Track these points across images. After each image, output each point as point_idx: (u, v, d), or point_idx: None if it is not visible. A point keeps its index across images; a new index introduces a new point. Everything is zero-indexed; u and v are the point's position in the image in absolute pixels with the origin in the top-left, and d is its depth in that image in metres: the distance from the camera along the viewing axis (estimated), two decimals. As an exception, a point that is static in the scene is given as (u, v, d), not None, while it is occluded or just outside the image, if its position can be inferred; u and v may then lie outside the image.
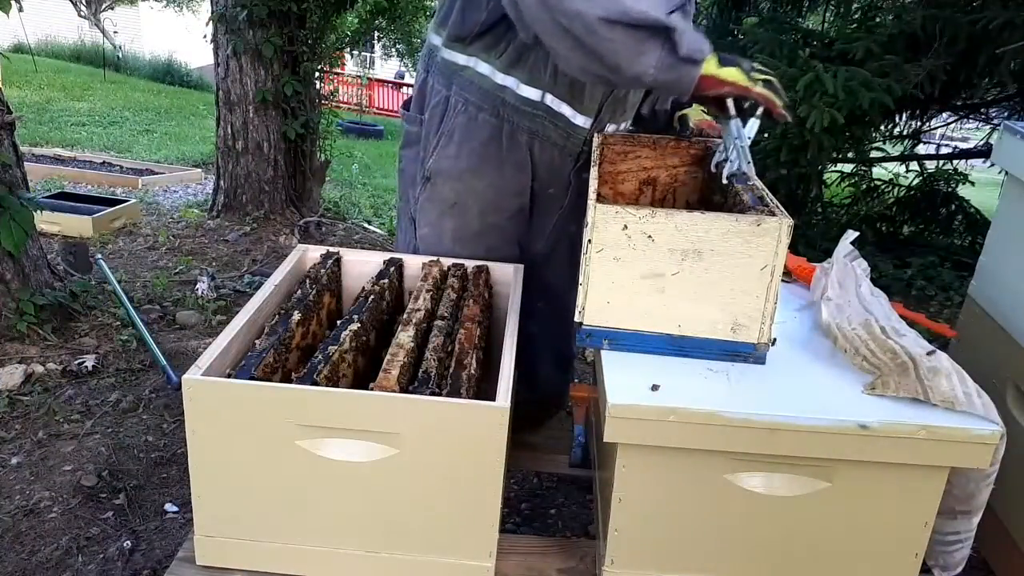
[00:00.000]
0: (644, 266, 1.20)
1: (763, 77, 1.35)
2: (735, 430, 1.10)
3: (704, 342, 1.24)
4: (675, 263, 1.19)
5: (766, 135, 3.86)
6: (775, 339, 1.26)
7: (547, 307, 1.81)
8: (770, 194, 1.30)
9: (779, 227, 1.15)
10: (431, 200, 1.71)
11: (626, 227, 1.17)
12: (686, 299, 1.21)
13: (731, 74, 1.31)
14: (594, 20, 1.21)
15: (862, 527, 1.17)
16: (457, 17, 1.57)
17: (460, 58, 1.60)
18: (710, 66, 1.29)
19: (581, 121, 1.64)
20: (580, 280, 1.23)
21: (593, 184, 1.31)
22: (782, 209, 1.22)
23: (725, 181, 1.40)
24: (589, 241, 1.19)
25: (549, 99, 1.60)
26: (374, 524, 1.19)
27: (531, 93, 1.59)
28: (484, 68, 1.58)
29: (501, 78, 1.58)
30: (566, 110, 1.62)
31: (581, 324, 1.25)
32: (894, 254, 4.36)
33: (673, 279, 1.20)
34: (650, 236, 1.18)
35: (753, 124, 1.37)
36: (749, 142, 1.38)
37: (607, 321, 1.24)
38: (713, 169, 1.52)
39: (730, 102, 1.35)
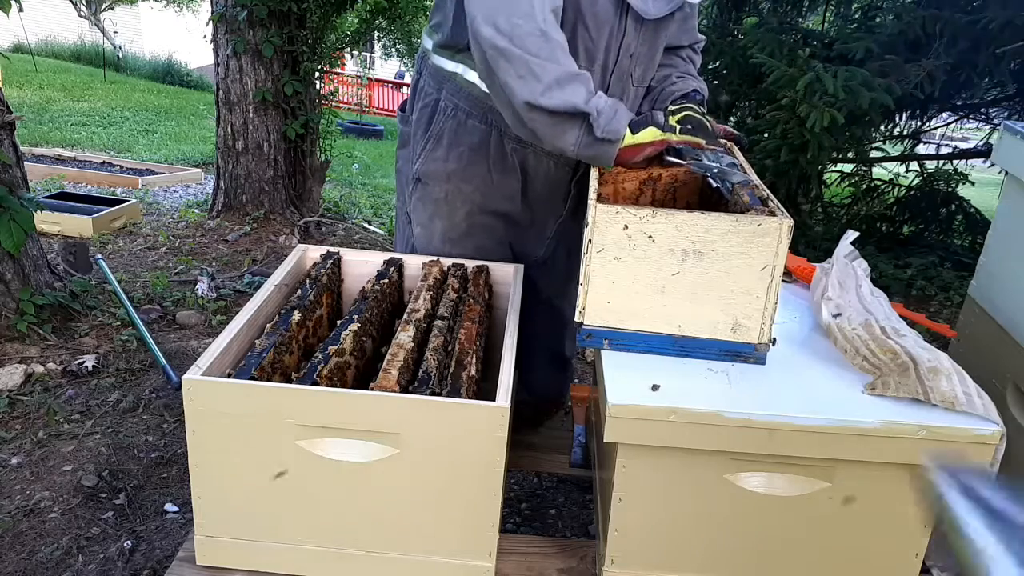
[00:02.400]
0: (644, 266, 1.20)
1: (680, 116, 1.42)
2: (735, 430, 1.10)
3: (704, 342, 1.24)
4: (675, 263, 1.19)
5: (766, 135, 3.86)
6: (775, 339, 1.26)
7: (545, 308, 1.82)
8: (770, 194, 1.30)
9: (779, 227, 1.15)
10: (422, 201, 1.72)
11: (626, 227, 1.17)
12: (686, 299, 1.21)
13: (645, 136, 1.39)
14: (520, 101, 1.32)
15: (862, 527, 1.17)
16: (448, 27, 1.59)
17: (449, 64, 1.61)
18: (626, 138, 1.38)
19: None
20: (580, 280, 1.23)
21: (593, 184, 1.31)
22: (782, 209, 1.22)
23: (731, 187, 1.40)
24: (589, 241, 1.19)
25: None
26: (374, 524, 1.19)
27: None
28: (472, 76, 1.59)
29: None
30: None
31: (581, 324, 1.25)
32: (894, 254, 4.36)
33: (673, 279, 1.20)
34: (650, 236, 1.18)
35: (708, 154, 1.42)
36: (720, 165, 1.40)
37: (607, 321, 1.24)
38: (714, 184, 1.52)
39: (670, 158, 1.43)
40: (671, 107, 1.46)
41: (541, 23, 1.30)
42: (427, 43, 1.68)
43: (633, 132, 1.38)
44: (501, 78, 1.32)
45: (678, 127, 1.41)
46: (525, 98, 1.31)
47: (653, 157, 1.44)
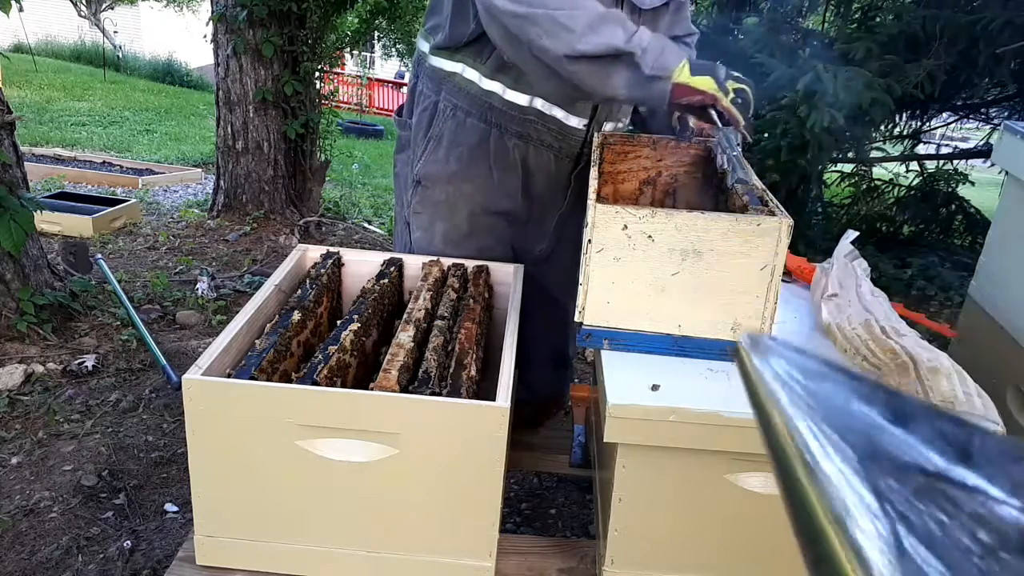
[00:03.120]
0: (644, 266, 1.20)
1: (737, 86, 1.38)
2: (735, 430, 1.10)
3: (704, 342, 1.24)
4: (675, 263, 1.19)
5: (765, 135, 3.86)
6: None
7: (546, 307, 1.81)
8: (770, 194, 1.30)
9: (779, 227, 1.15)
10: (422, 203, 1.72)
11: (626, 227, 1.17)
12: (686, 299, 1.21)
13: (702, 83, 1.34)
14: (559, 57, 1.28)
15: (862, 527, 1.17)
16: (445, 29, 1.59)
17: (447, 64, 1.61)
18: (682, 74, 1.33)
19: (575, 123, 1.64)
20: (580, 280, 1.23)
21: (593, 184, 1.31)
22: (782, 209, 1.22)
23: (730, 186, 1.40)
24: (589, 241, 1.19)
25: (539, 103, 1.60)
26: (374, 524, 1.19)
27: (518, 98, 1.59)
28: (471, 74, 1.59)
29: (487, 84, 1.59)
30: (558, 113, 1.62)
31: (581, 324, 1.25)
32: (894, 254, 4.36)
33: (673, 279, 1.20)
34: (650, 236, 1.18)
35: (737, 134, 1.40)
36: (739, 151, 1.39)
37: (607, 321, 1.24)
38: (719, 168, 1.52)
39: (713, 113, 1.38)
40: (732, 73, 1.43)
41: None
42: (423, 46, 1.69)
43: (692, 74, 1.32)
44: (533, 43, 1.28)
45: (732, 93, 1.37)
46: (563, 52, 1.26)
47: (696, 108, 1.39)
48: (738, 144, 1.40)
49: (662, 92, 1.32)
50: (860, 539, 0.32)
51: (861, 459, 0.34)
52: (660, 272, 1.20)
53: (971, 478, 0.34)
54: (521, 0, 1.27)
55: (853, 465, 0.34)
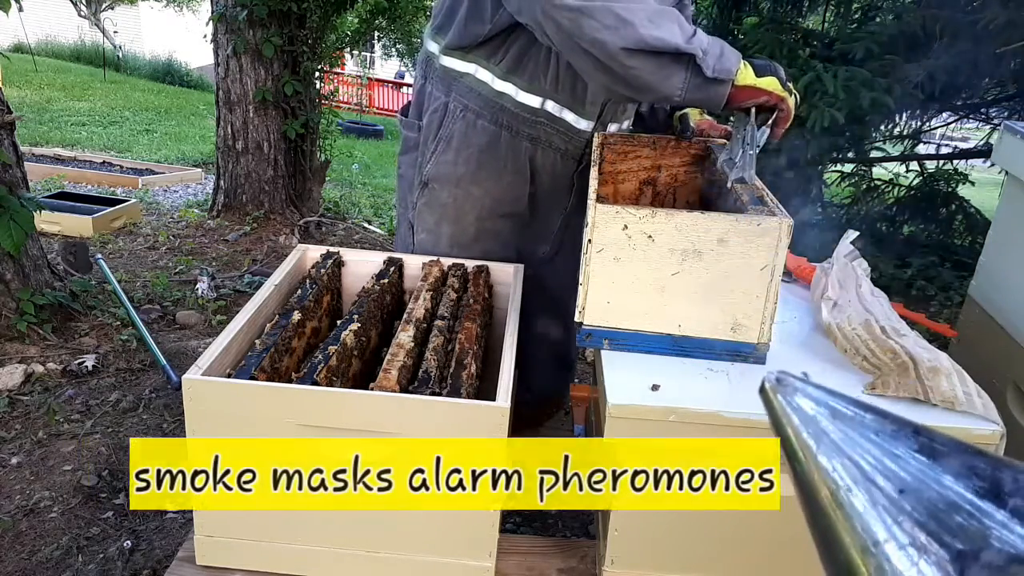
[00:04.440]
0: (644, 266, 1.20)
1: (792, 89, 1.36)
2: (735, 430, 1.10)
3: (704, 342, 1.24)
4: (675, 263, 1.19)
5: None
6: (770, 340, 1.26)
7: (548, 308, 1.81)
8: (770, 194, 1.30)
9: (779, 227, 1.15)
10: (429, 206, 1.71)
11: (626, 227, 1.18)
12: (686, 299, 1.21)
13: (769, 83, 1.32)
14: (616, 50, 1.24)
15: (862, 527, 1.17)
16: (459, 28, 1.57)
17: (459, 65, 1.60)
18: (746, 76, 1.30)
19: (584, 125, 1.64)
20: (580, 280, 1.23)
21: (593, 184, 1.31)
22: (782, 209, 1.22)
23: (729, 185, 1.40)
24: (589, 241, 1.19)
25: (550, 105, 1.60)
26: (374, 524, 1.19)
27: (530, 100, 1.59)
28: (484, 75, 1.58)
29: (500, 85, 1.58)
30: (568, 116, 1.62)
31: (581, 324, 1.25)
32: (894, 254, 4.36)
33: (673, 279, 1.20)
34: (650, 236, 1.18)
35: (764, 132, 1.38)
36: (758, 150, 1.38)
37: (607, 321, 1.24)
38: (718, 167, 1.51)
39: (754, 109, 1.36)
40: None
41: None
42: (432, 47, 1.67)
43: (757, 75, 1.31)
44: (589, 37, 1.25)
45: (796, 96, 1.34)
46: (621, 45, 1.23)
47: (762, 110, 1.37)
48: (759, 144, 1.39)
49: (721, 95, 1.30)
50: (889, 570, 0.32)
51: (890, 493, 0.34)
52: (660, 272, 1.20)
53: (1000, 514, 0.34)
54: None
55: (882, 500, 0.34)
